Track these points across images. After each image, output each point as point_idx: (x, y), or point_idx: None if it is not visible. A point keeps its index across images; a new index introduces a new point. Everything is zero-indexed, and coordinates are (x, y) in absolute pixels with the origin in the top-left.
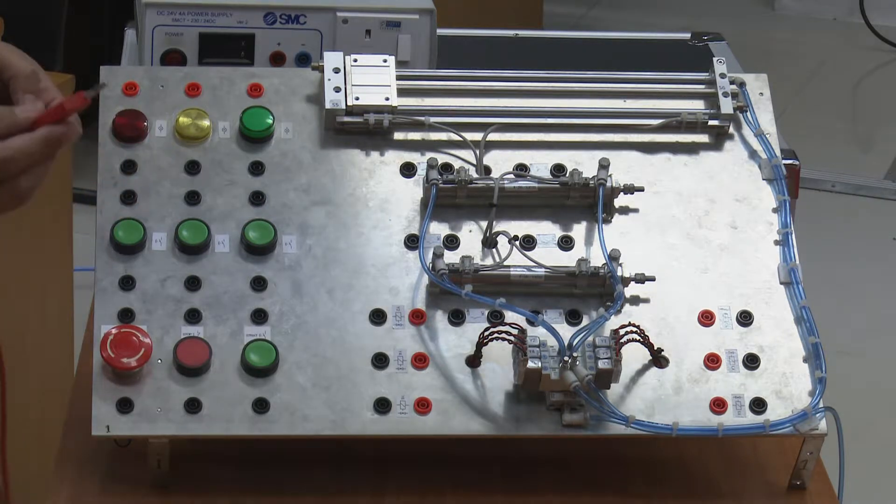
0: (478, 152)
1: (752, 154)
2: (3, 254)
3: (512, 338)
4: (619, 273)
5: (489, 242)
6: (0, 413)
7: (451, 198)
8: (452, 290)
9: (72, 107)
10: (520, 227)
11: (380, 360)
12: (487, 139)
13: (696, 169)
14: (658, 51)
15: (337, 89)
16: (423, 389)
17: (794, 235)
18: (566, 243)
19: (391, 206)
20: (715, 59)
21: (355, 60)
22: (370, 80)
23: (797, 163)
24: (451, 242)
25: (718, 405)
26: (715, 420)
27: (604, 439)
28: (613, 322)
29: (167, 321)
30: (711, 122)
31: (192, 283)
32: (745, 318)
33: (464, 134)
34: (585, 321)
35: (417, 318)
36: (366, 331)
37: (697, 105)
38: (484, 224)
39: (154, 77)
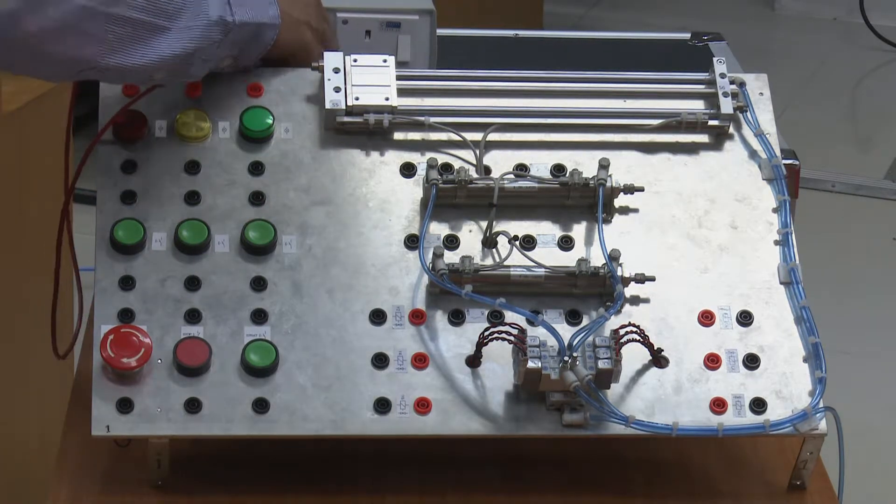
0: (478, 152)
1: (752, 154)
2: (3, 253)
3: (512, 338)
4: (619, 273)
5: (489, 242)
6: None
7: (451, 198)
8: (452, 290)
9: None
10: (520, 227)
11: (380, 360)
12: (487, 139)
13: (696, 169)
14: (658, 51)
15: (337, 89)
16: (423, 389)
17: (794, 235)
18: (566, 243)
19: (391, 206)
20: (715, 59)
21: (355, 60)
22: (370, 80)
23: (797, 163)
24: (451, 242)
25: (718, 405)
26: (715, 420)
27: (604, 439)
28: (613, 322)
29: (167, 321)
30: (711, 122)
31: (192, 283)
32: (745, 318)
33: (464, 134)
34: (585, 321)
35: (417, 318)
36: (366, 331)
37: (697, 105)
38: (484, 224)
39: None
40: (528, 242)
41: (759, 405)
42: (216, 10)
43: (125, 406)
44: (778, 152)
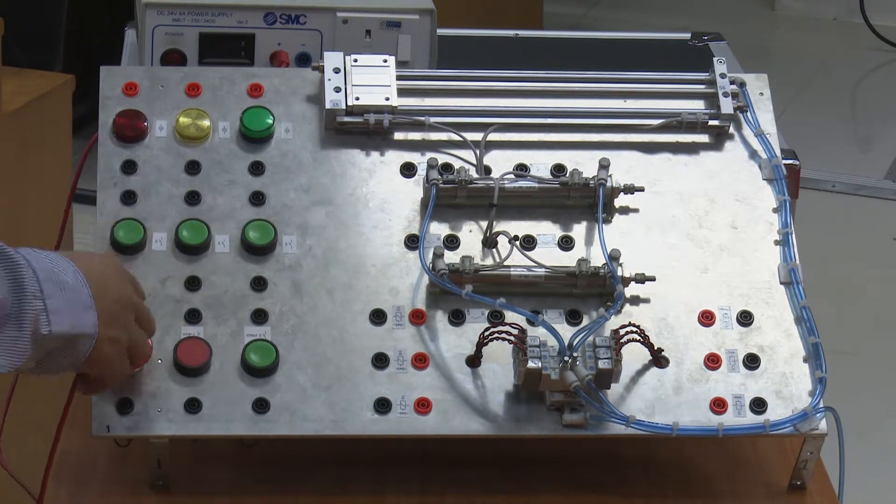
0: (478, 152)
1: (752, 154)
2: None
3: (512, 338)
4: (619, 273)
5: (489, 242)
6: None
7: (451, 198)
8: (452, 290)
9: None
10: (520, 227)
11: (380, 360)
12: (487, 139)
13: (696, 169)
14: (658, 51)
15: (337, 89)
16: (423, 389)
17: (794, 235)
18: (566, 243)
19: (391, 206)
20: (715, 59)
21: (355, 60)
22: (370, 80)
23: (797, 163)
24: (451, 242)
25: (718, 405)
26: (715, 420)
27: (604, 439)
28: (613, 322)
29: (167, 321)
30: (711, 122)
31: (192, 283)
32: (745, 318)
33: (464, 134)
34: (585, 321)
35: (417, 318)
36: (366, 331)
37: (697, 105)
38: (484, 224)
39: (154, 77)
40: (528, 242)
41: (759, 405)
42: (30, 323)
43: (125, 406)
44: (778, 152)
